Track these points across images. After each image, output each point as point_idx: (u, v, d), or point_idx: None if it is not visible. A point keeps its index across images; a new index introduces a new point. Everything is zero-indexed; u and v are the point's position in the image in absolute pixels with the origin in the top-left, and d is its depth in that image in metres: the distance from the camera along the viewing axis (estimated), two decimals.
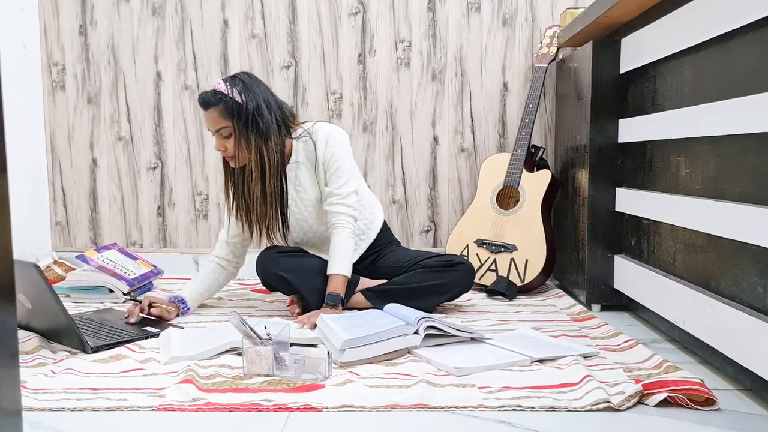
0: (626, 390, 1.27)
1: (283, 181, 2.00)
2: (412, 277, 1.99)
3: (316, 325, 1.71)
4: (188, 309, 2.00)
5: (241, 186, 1.98)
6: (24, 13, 2.69)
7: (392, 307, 1.77)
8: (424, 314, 1.64)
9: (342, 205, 1.96)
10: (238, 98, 1.88)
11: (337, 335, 1.54)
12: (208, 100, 1.89)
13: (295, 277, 1.95)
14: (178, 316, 1.96)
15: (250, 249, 2.88)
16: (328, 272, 1.91)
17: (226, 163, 1.99)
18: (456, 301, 2.10)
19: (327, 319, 1.68)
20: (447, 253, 2.34)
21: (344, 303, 1.91)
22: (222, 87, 1.89)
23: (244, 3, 2.72)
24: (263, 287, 2.14)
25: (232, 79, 1.92)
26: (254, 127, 1.89)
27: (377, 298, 1.97)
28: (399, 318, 1.65)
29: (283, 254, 2.02)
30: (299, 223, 2.05)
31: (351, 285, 1.99)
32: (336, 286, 1.88)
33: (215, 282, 2.08)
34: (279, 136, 1.93)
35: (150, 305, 1.90)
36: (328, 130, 1.99)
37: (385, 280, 2.04)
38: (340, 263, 1.91)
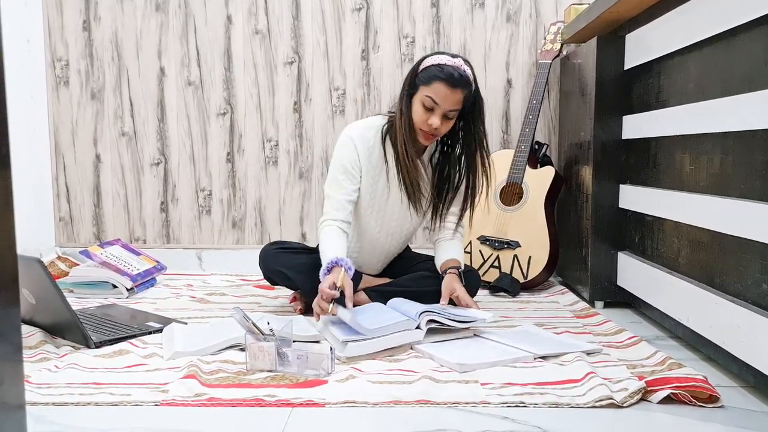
0: (629, 387, 1.27)
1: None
2: (417, 280, 1.98)
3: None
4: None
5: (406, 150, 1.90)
6: (28, 9, 2.69)
7: (394, 301, 1.78)
8: (425, 308, 1.64)
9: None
10: (475, 89, 1.86)
11: (340, 337, 1.54)
12: (465, 82, 1.82)
13: (295, 274, 1.96)
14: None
15: (254, 245, 2.88)
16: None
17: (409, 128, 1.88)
18: None
19: (328, 323, 1.69)
20: None
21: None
22: (470, 75, 1.84)
23: None
24: (266, 283, 2.14)
25: (471, 68, 1.86)
26: (475, 118, 1.89)
27: (380, 298, 1.97)
28: (401, 313, 1.65)
29: (286, 250, 2.02)
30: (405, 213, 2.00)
31: (354, 282, 1.99)
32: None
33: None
34: None
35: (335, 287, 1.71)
36: None
37: (387, 279, 2.04)
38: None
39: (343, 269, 1.71)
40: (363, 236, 2.02)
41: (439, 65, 1.82)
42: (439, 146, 2.00)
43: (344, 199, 1.91)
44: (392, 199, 1.96)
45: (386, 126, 1.95)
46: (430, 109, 1.82)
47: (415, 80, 1.86)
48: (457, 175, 1.97)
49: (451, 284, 1.88)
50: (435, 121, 1.82)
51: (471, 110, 1.88)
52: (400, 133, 1.88)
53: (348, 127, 1.97)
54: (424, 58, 1.88)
